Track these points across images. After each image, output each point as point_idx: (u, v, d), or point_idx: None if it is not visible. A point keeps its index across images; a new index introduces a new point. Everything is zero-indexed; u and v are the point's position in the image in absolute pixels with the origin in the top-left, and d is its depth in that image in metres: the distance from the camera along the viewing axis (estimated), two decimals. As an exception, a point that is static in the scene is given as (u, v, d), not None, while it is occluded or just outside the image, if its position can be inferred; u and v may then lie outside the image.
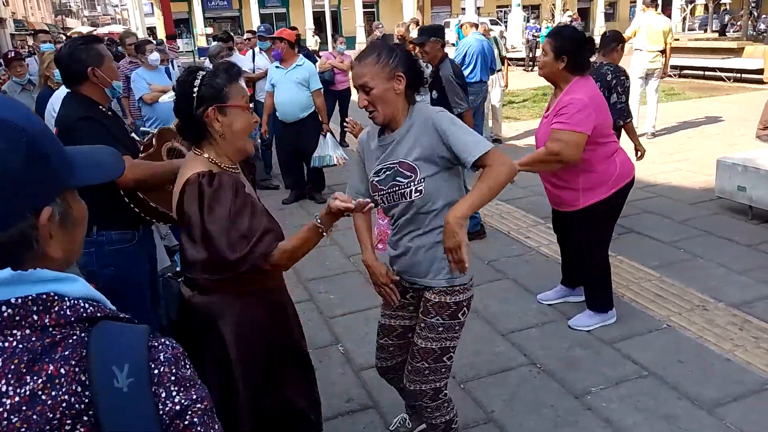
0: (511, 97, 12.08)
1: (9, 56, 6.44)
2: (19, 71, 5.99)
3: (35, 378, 0.75)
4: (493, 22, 22.42)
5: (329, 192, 6.65)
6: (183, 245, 1.99)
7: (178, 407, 0.80)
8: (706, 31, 24.07)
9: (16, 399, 0.73)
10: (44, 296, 0.79)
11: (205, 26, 35.14)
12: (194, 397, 0.82)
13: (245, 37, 8.33)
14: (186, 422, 0.80)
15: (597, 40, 4.62)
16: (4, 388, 0.74)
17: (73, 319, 0.80)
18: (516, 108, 11.48)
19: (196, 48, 28.38)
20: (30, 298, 0.78)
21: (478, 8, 18.32)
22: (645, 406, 2.91)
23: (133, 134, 3.08)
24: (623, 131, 4.58)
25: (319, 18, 33.85)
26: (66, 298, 0.81)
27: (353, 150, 2.51)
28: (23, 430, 0.73)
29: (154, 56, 6.19)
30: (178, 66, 7.92)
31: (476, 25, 7.59)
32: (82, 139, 2.40)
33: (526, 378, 3.20)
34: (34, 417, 0.73)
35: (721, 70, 13.41)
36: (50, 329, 0.78)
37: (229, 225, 1.82)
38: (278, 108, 6.26)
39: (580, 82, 3.25)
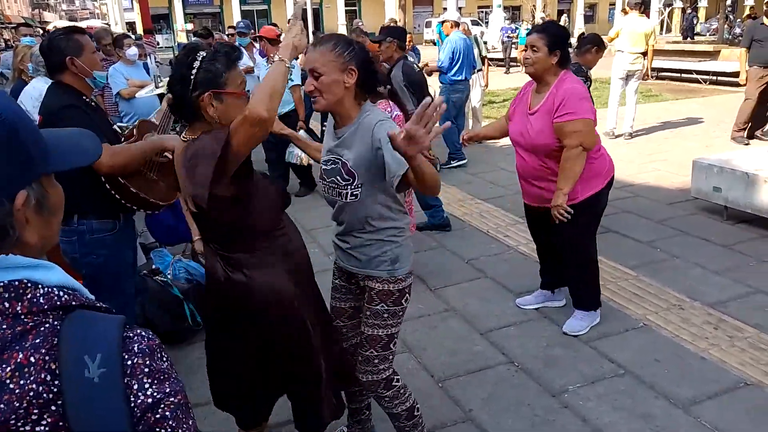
0: (491, 97, 12.13)
1: None
2: None
3: (3, 366, 0.73)
4: (474, 23, 22.51)
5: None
6: (203, 214, 1.99)
7: (150, 400, 0.78)
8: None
9: None
10: (17, 283, 0.77)
11: (186, 22, 34.76)
12: (167, 390, 0.80)
13: (228, 33, 8.27)
14: (157, 416, 0.78)
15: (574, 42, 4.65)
16: None
17: (46, 307, 0.78)
18: (496, 108, 11.52)
19: (176, 44, 28.07)
20: (2, 284, 0.76)
21: (460, 8, 18.40)
22: (622, 404, 2.93)
23: (115, 126, 3.06)
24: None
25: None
26: (40, 286, 0.79)
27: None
28: None
29: (132, 51, 6.10)
30: (157, 62, 7.83)
31: (458, 24, 7.60)
32: (65, 127, 2.37)
33: (504, 377, 3.20)
34: (1, 406, 0.71)
35: (698, 72, 13.60)
36: (22, 317, 0.76)
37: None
38: None
39: (569, 75, 3.26)
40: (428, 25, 32.52)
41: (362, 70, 2.08)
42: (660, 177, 6.64)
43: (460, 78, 7.30)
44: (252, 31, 7.83)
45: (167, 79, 2.09)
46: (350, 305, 2.50)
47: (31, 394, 0.73)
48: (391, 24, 10.57)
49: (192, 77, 1.83)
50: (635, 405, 2.92)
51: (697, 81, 13.61)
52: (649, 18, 10.39)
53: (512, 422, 2.85)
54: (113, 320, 0.82)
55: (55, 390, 0.74)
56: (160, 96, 5.02)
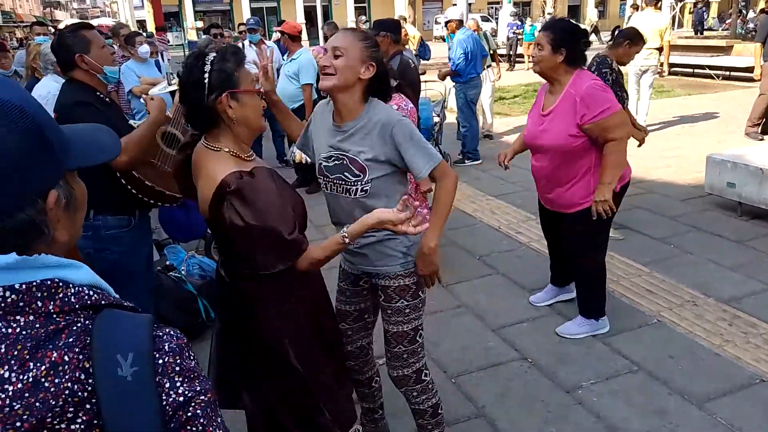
0: (501, 93, 12.09)
1: None
2: (3, 63, 5.91)
3: (38, 365, 0.73)
4: (484, 19, 22.42)
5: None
6: (222, 245, 2.00)
7: (181, 398, 0.79)
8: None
9: (19, 386, 0.72)
10: (49, 282, 0.77)
11: (196, 20, 34.87)
12: (198, 388, 0.81)
13: (239, 30, 8.29)
14: (189, 414, 0.79)
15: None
16: (6, 375, 0.72)
17: (77, 306, 0.78)
18: (507, 104, 11.50)
19: (186, 41, 28.16)
20: (34, 284, 0.76)
21: (470, 4, 18.28)
22: (636, 401, 2.92)
23: (130, 121, 3.08)
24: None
25: (310, 12, 33.74)
26: (70, 285, 0.79)
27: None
28: (25, 416, 0.71)
29: (144, 48, 6.14)
30: (168, 59, 7.87)
31: (461, 22, 7.57)
32: (78, 123, 2.39)
33: (516, 373, 3.20)
34: (37, 404, 0.72)
35: (711, 67, 13.48)
36: (54, 316, 0.76)
37: (272, 220, 1.78)
38: None
39: (583, 73, 3.16)
40: (438, 21, 32.43)
41: (380, 68, 2.11)
42: (673, 173, 6.60)
43: (473, 75, 7.29)
44: (261, 27, 7.83)
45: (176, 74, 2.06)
46: (355, 308, 2.49)
47: (67, 392, 0.73)
48: (401, 20, 10.57)
49: (206, 81, 1.79)
50: (649, 401, 2.91)
51: (710, 76, 13.49)
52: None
53: (525, 418, 2.85)
54: (142, 319, 0.82)
55: (89, 388, 0.74)
56: (173, 93, 5.05)
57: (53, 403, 0.72)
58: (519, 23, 19.98)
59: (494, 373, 3.21)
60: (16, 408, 0.71)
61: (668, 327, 3.53)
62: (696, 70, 13.93)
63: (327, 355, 2.12)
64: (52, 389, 0.73)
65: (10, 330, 0.74)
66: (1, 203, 0.75)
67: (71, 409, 0.73)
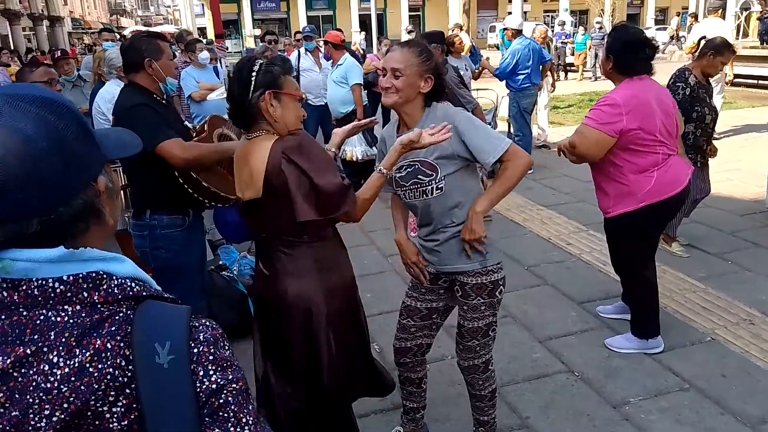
0: (555, 102, 11.92)
1: (56, 55, 6.68)
2: (66, 69, 6.20)
3: (84, 351, 0.79)
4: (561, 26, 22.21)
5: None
6: (277, 212, 2.03)
7: (214, 386, 0.83)
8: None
9: (66, 370, 0.77)
10: (94, 274, 0.83)
11: (254, 27, 35.69)
12: (230, 377, 0.85)
13: (296, 38, 8.48)
14: (221, 400, 0.83)
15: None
16: (55, 360, 0.78)
17: (120, 296, 0.84)
18: (561, 113, 11.34)
19: (245, 48, 28.87)
20: (81, 275, 0.82)
21: (525, 12, 18.16)
22: (686, 419, 2.84)
23: (186, 122, 3.20)
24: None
25: (365, 20, 34.04)
26: (114, 277, 0.85)
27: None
28: (72, 399, 0.77)
29: (204, 55, 6.34)
30: (226, 65, 8.10)
31: (519, 31, 7.50)
32: (134, 123, 2.51)
33: (563, 385, 3.16)
34: (82, 387, 0.77)
35: (777, 79, 12.96)
36: (99, 306, 0.82)
37: (330, 169, 1.97)
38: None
39: (625, 84, 3.10)
40: (492, 29, 32.26)
41: (437, 79, 2.20)
42: (733, 187, 6.38)
43: (527, 84, 7.21)
44: (317, 35, 7.98)
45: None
46: (426, 306, 2.54)
47: (108, 377, 0.78)
48: (456, 28, 10.58)
49: (252, 80, 1.94)
50: (700, 420, 2.83)
51: (775, 88, 12.98)
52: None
53: None
54: (181, 310, 0.87)
55: (129, 374, 0.80)
56: (229, 98, 5.21)
57: (96, 387, 0.78)
58: (567, 33, 19.74)
59: (539, 384, 3.18)
60: (63, 390, 0.77)
61: (722, 345, 3.42)
62: (761, 81, 13.41)
63: (352, 329, 2.28)
64: (96, 374, 0.78)
65: (59, 319, 0.80)
66: (64, 191, 0.81)
67: (112, 393, 0.78)
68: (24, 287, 0.79)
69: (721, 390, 3.03)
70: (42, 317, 0.79)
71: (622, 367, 3.28)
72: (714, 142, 4.70)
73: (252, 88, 1.94)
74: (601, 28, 18.45)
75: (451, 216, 2.30)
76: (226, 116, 3.21)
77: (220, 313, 3.60)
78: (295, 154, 1.93)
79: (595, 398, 3.04)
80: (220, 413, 0.82)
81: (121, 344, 0.80)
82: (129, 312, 0.83)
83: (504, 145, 2.18)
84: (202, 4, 38.52)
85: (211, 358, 0.84)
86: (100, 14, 53.43)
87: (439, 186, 2.23)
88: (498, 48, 18.46)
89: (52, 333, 0.79)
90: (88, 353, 0.79)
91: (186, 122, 3.32)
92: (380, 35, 20.19)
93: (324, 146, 2.28)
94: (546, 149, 8.43)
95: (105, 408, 0.78)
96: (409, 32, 9.49)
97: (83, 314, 0.81)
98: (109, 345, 0.80)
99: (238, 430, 0.83)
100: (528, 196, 6.48)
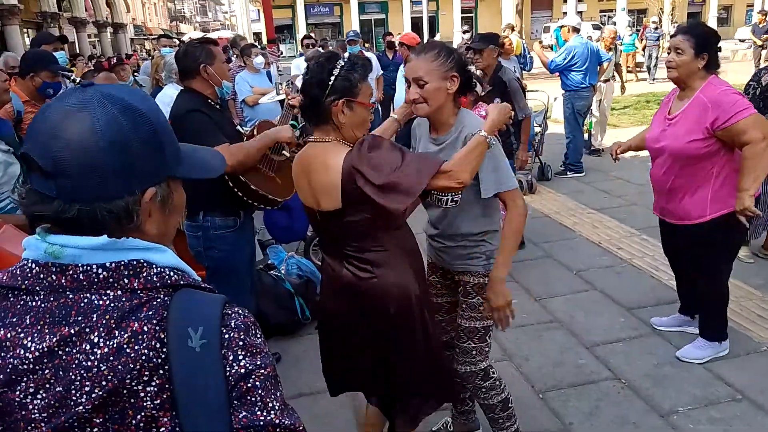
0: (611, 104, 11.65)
1: (111, 62, 6.96)
2: (122, 75, 6.45)
3: (122, 333, 0.85)
4: (596, 27, 21.66)
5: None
6: (359, 216, 1.99)
7: (243, 370, 0.87)
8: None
9: (105, 350, 0.84)
10: (135, 262, 0.89)
11: (307, 32, 36.29)
12: (258, 363, 0.89)
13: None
14: (249, 385, 0.87)
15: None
16: (96, 340, 0.84)
17: (158, 284, 0.90)
18: (616, 115, 11.06)
19: (298, 53, 29.35)
20: (122, 263, 0.88)
21: (580, 12, 17.82)
22: (736, 430, 2.75)
23: (237, 127, 3.30)
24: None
25: (417, 23, 34.09)
26: (154, 266, 0.91)
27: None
28: (109, 377, 0.83)
29: (259, 59, 6.49)
30: (279, 71, 8.27)
31: (577, 30, 7.36)
32: (188, 129, 2.62)
33: (608, 392, 3.11)
34: (119, 367, 0.83)
35: None
36: (138, 292, 0.88)
37: (405, 158, 1.92)
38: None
39: (716, 80, 3.01)
40: (546, 30, 31.77)
41: (463, 75, 2.17)
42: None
43: (584, 84, 7.07)
44: (360, 39, 8.08)
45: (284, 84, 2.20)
46: (446, 300, 2.58)
47: (143, 358, 0.84)
48: (508, 28, 10.49)
49: (330, 83, 1.90)
50: (752, 433, 2.74)
51: None
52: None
53: (615, 439, 2.77)
54: (215, 299, 0.92)
55: (163, 356, 0.85)
56: (281, 102, 5.32)
57: (132, 366, 0.84)
58: (619, 35, 19.17)
59: (584, 391, 3.13)
60: (102, 369, 0.83)
61: (780, 356, 3.30)
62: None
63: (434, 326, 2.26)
64: (132, 355, 0.84)
65: (101, 302, 0.86)
66: (111, 189, 0.87)
67: (147, 373, 0.84)
68: (71, 272, 0.87)
69: (776, 402, 2.92)
70: (86, 300, 0.86)
71: (671, 376, 3.20)
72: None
73: (328, 91, 1.91)
74: (656, 27, 17.78)
75: (461, 227, 2.33)
76: (275, 120, 3.29)
77: (267, 310, 3.69)
78: (364, 164, 1.89)
79: (642, 406, 2.98)
80: (248, 397, 0.87)
81: (157, 328, 0.86)
82: (166, 298, 0.89)
83: (504, 187, 2.20)
84: (258, 10, 39.38)
85: (241, 344, 0.89)
86: (161, 21, 55.25)
87: (455, 199, 2.25)
88: (552, 48, 18.16)
89: (95, 315, 0.85)
90: (126, 335, 0.85)
91: (239, 126, 3.42)
92: (431, 37, 20.16)
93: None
94: (597, 155, 8.15)
95: (139, 387, 0.84)
96: (465, 32, 9.48)
97: (123, 299, 0.87)
98: (145, 328, 0.85)
99: (265, 414, 0.87)
100: (579, 199, 6.37)
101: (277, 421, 0.87)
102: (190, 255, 2.98)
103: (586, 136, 8.00)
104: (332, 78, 1.90)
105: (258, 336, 0.93)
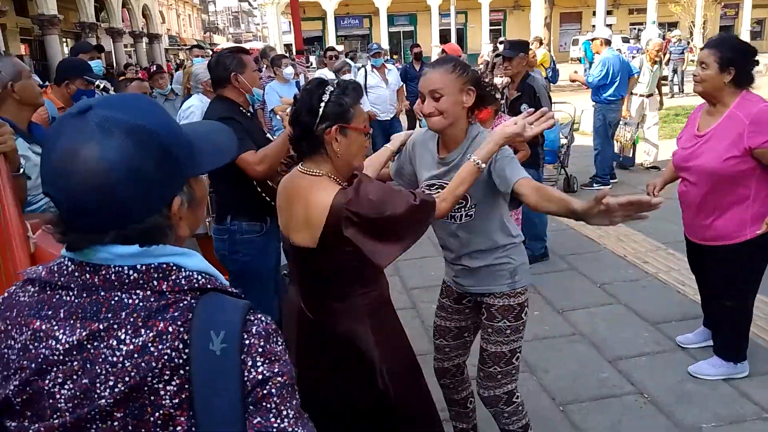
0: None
1: (151, 70, 7.14)
2: (160, 83, 6.60)
3: (148, 332, 0.88)
4: (625, 40, 21.45)
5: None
6: (329, 262, 1.88)
7: (260, 377, 0.89)
8: None
9: (131, 347, 0.87)
10: (164, 266, 0.93)
11: (337, 43, 36.62)
12: (276, 370, 0.90)
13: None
14: (265, 391, 0.88)
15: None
16: (123, 337, 0.88)
17: (186, 287, 0.93)
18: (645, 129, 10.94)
19: (318, 65, 29.60)
20: (153, 266, 0.92)
21: (610, 25, 17.65)
22: (762, 449, 2.70)
23: (268, 135, 3.36)
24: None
25: (445, 36, 34.18)
26: (183, 269, 0.94)
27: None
28: (132, 373, 0.86)
29: (289, 70, 6.58)
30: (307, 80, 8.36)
31: (609, 42, 7.33)
32: (200, 123, 2.68)
33: (630, 407, 3.07)
34: (142, 364, 0.86)
35: None
36: (166, 293, 0.91)
37: (394, 198, 1.81)
38: None
39: (751, 95, 2.93)
40: (575, 43, 31.58)
41: (478, 89, 2.13)
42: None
43: (615, 97, 7.05)
44: (382, 50, 8.12)
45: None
46: (456, 325, 2.49)
47: (166, 357, 0.87)
48: (536, 41, 10.47)
49: (320, 109, 1.79)
50: (778, 452, 2.68)
51: None
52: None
53: (636, 454, 2.74)
54: (240, 304, 0.94)
55: (185, 357, 0.87)
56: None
57: (155, 365, 0.86)
58: (638, 47, 18.91)
59: (606, 405, 3.10)
60: (126, 365, 0.86)
61: (809, 375, 3.22)
62: None
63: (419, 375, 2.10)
64: (156, 353, 0.87)
65: (130, 301, 0.90)
66: (136, 212, 0.90)
67: (168, 372, 0.87)
68: (103, 272, 0.91)
69: (804, 422, 2.86)
70: (116, 298, 0.90)
71: (696, 392, 3.15)
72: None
73: (319, 119, 1.80)
74: (679, 41, 17.46)
75: (477, 243, 2.23)
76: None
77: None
78: (359, 205, 1.77)
79: (665, 422, 2.93)
80: (263, 403, 0.88)
81: (181, 329, 0.89)
82: (193, 301, 0.92)
83: (522, 173, 2.08)
84: (289, 22, 39.88)
85: (260, 350, 0.90)
86: (195, 32, 56.28)
87: (469, 213, 2.18)
88: (580, 61, 18.02)
89: (123, 313, 0.89)
90: (151, 334, 0.88)
91: (268, 135, 3.48)
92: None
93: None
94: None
95: (160, 385, 0.87)
96: (501, 43, 9.45)
97: (152, 299, 0.90)
98: (170, 328, 0.88)
99: (279, 421, 0.88)
100: (605, 212, 6.30)
101: (290, 429, 0.88)
102: (215, 259, 3.04)
103: (618, 149, 7.79)
104: (322, 104, 1.79)
105: (279, 344, 0.93)
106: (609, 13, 28.44)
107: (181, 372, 0.87)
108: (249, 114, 3.04)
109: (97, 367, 0.87)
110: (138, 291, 0.90)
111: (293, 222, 1.91)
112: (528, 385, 3.26)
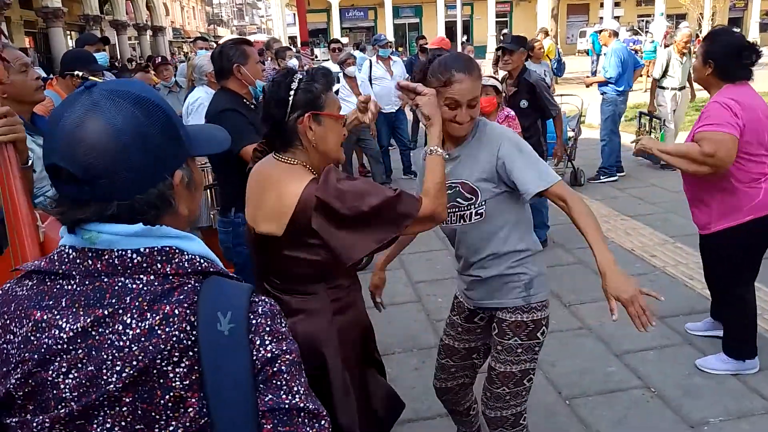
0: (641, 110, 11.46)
1: (156, 62, 7.15)
2: (165, 75, 6.60)
3: (154, 315, 0.88)
4: (635, 32, 21.33)
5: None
6: (294, 255, 1.77)
7: (269, 355, 0.90)
8: None
9: (137, 331, 0.87)
10: (167, 249, 0.92)
11: (342, 36, 36.52)
12: (284, 348, 0.92)
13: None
14: (275, 369, 0.90)
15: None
16: (128, 321, 0.87)
17: (189, 270, 0.93)
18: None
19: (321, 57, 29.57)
20: (156, 249, 0.91)
21: (617, 17, 17.55)
22: (771, 445, 2.68)
23: None
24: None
25: (451, 27, 34.05)
26: (185, 253, 0.94)
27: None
28: (140, 357, 0.86)
29: (293, 62, 6.60)
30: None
31: (616, 34, 7.30)
32: (224, 127, 2.66)
33: (637, 401, 3.05)
34: (150, 347, 0.86)
35: None
36: (170, 277, 0.91)
37: (371, 191, 1.69)
38: None
39: (730, 88, 2.95)
40: (582, 35, 31.40)
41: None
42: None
43: (622, 89, 7.01)
44: (388, 42, 8.07)
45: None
46: (465, 346, 2.38)
47: (174, 339, 0.87)
48: (542, 33, 10.41)
49: (290, 99, 1.72)
50: (787, 447, 2.66)
51: None
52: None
53: (643, 449, 2.72)
54: (244, 287, 0.96)
55: (193, 338, 0.88)
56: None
57: (163, 347, 0.86)
58: (636, 39, 18.72)
59: (613, 399, 3.09)
60: (133, 349, 0.86)
61: (818, 370, 3.19)
62: None
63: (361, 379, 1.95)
64: (163, 336, 0.87)
65: (134, 286, 0.89)
66: (143, 181, 0.90)
67: (176, 354, 0.87)
68: (106, 257, 0.90)
69: (813, 417, 2.84)
70: (120, 284, 0.89)
71: (703, 386, 3.13)
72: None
73: (289, 109, 1.72)
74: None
75: (489, 246, 2.10)
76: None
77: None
78: (327, 193, 1.66)
79: (671, 416, 2.92)
80: (274, 381, 0.90)
81: (188, 311, 0.89)
82: (197, 284, 0.92)
83: (548, 181, 1.94)
84: (294, 14, 39.78)
85: (267, 329, 0.92)
86: (199, 24, 56.25)
87: (479, 212, 2.05)
88: (587, 53, 17.92)
89: (128, 297, 0.88)
90: (158, 317, 0.88)
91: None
92: (466, 42, 20.08)
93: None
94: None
95: (169, 368, 0.87)
96: (503, 35, 9.44)
97: (156, 283, 0.90)
98: (177, 311, 0.88)
99: (290, 398, 0.90)
100: (612, 205, 6.28)
101: (301, 404, 0.90)
102: (219, 251, 3.04)
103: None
104: (291, 92, 1.72)
105: (283, 324, 0.95)
106: (617, 4, 28.35)
107: (190, 353, 0.87)
108: (253, 106, 3.02)
109: (103, 353, 0.86)
110: (142, 275, 0.90)
111: (262, 211, 1.81)
112: (534, 379, 3.23)
